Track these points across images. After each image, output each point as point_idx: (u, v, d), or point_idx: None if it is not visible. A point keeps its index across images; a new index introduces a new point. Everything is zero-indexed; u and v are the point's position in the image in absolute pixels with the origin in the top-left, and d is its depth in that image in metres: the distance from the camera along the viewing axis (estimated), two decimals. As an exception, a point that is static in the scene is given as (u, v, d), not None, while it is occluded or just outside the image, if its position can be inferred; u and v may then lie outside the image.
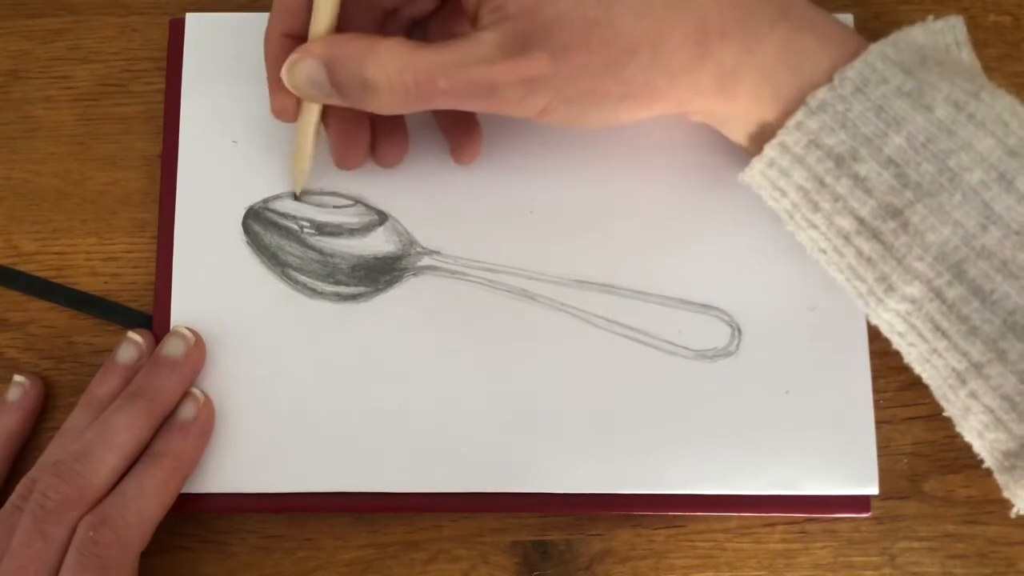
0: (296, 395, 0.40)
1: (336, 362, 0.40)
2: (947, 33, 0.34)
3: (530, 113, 0.34)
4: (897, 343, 0.35)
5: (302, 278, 0.41)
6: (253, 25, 0.42)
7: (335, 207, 0.41)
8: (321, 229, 0.41)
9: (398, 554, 0.40)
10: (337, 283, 0.41)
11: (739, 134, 0.36)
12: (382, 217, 0.41)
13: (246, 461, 0.39)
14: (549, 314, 0.40)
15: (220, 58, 0.42)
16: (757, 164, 0.35)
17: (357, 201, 0.42)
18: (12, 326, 0.42)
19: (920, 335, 0.33)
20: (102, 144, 0.44)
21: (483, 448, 0.39)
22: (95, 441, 0.37)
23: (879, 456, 0.38)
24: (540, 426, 0.39)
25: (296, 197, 0.41)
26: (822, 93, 0.32)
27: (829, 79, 0.33)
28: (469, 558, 0.40)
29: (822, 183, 0.33)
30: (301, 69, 0.34)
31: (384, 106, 0.34)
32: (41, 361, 0.42)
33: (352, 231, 0.41)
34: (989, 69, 0.43)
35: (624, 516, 0.40)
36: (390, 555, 0.40)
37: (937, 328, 0.33)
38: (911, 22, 0.43)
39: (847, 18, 0.42)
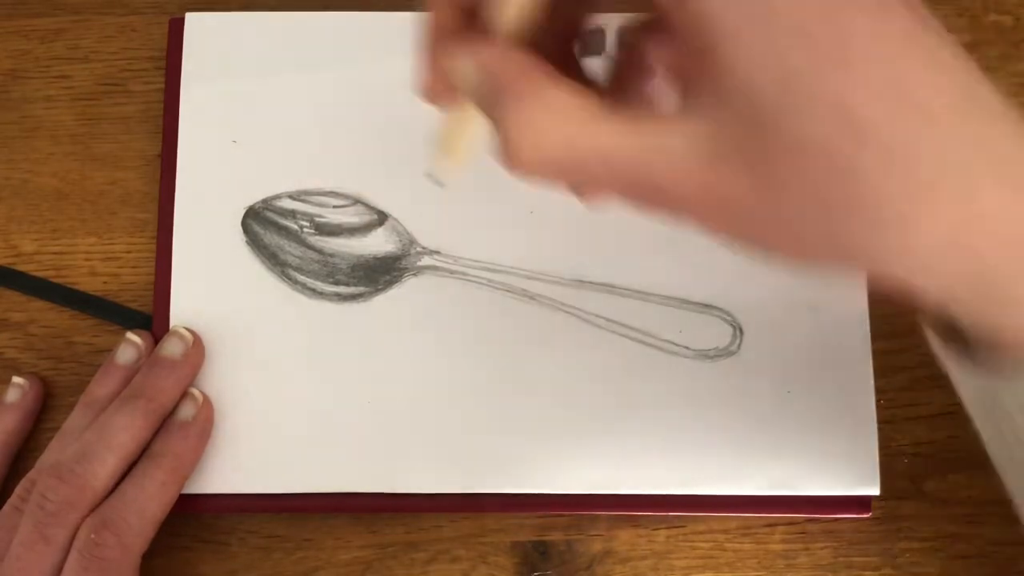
0: (296, 395, 0.40)
1: (336, 362, 0.40)
2: None
3: (700, 230, 0.26)
4: None
5: (302, 278, 0.41)
6: (253, 24, 0.42)
7: (335, 207, 0.41)
8: (321, 229, 0.41)
9: (398, 554, 0.40)
10: (337, 283, 0.41)
11: (970, 335, 0.27)
12: (382, 217, 0.41)
13: (246, 461, 0.39)
14: (549, 314, 0.40)
15: (220, 57, 0.42)
16: (983, 378, 0.26)
17: (357, 201, 0.41)
18: (11, 326, 0.42)
19: None
20: (102, 144, 0.43)
21: (483, 448, 0.39)
22: (95, 442, 0.37)
23: (880, 456, 0.38)
24: (540, 426, 0.39)
25: (439, 183, 0.32)
26: None
27: None
28: (469, 558, 0.40)
29: None
30: (464, 72, 0.27)
31: (513, 171, 0.26)
32: (40, 361, 0.42)
33: (352, 231, 0.41)
34: (990, 68, 0.43)
35: (624, 516, 0.40)
36: (390, 555, 0.40)
37: None
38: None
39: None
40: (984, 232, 0.23)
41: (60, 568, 0.35)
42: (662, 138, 0.24)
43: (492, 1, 0.27)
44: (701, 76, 0.24)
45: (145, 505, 0.36)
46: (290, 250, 0.41)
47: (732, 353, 0.39)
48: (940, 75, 0.24)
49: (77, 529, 0.36)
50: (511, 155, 0.26)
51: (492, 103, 0.26)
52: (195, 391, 0.39)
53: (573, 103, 0.25)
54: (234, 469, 0.39)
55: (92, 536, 0.35)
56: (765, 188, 0.23)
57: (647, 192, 0.25)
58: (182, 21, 0.43)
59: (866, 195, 0.23)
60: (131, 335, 0.40)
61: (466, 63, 0.27)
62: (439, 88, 0.28)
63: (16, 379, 0.41)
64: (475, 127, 0.30)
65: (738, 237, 0.25)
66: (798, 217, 0.24)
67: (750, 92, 0.23)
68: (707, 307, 0.40)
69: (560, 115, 0.25)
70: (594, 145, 0.25)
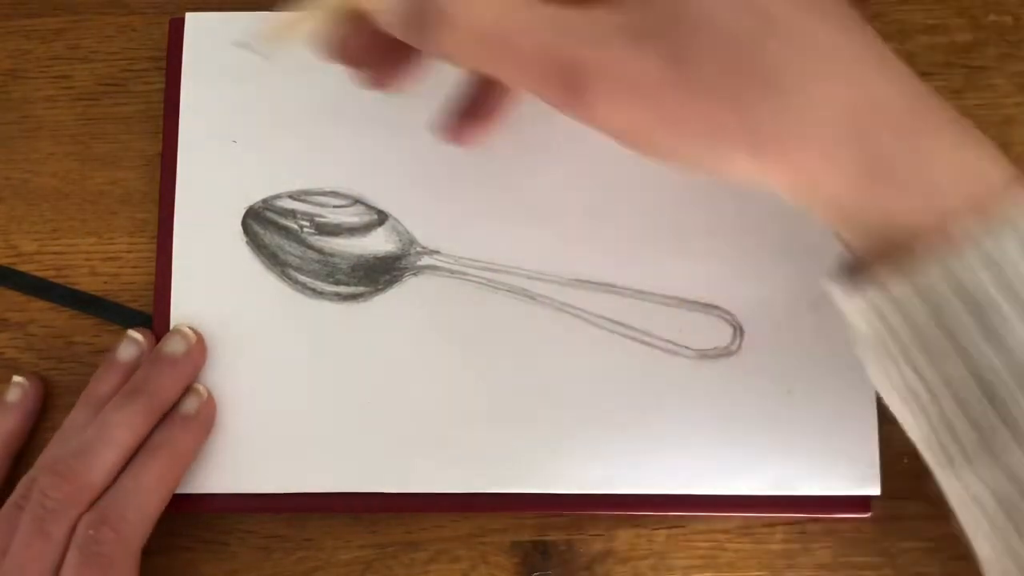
0: (296, 395, 0.40)
1: (336, 362, 0.40)
2: None
3: (614, 124, 0.28)
4: (969, 511, 0.29)
5: (302, 278, 0.41)
6: (253, 24, 0.42)
7: (335, 207, 0.41)
8: (321, 229, 0.41)
9: (398, 554, 0.40)
10: (337, 283, 0.41)
11: (863, 235, 0.28)
12: (382, 217, 0.41)
13: (246, 461, 0.39)
14: (549, 314, 0.40)
15: (220, 57, 0.42)
16: (870, 294, 0.28)
17: (357, 201, 0.41)
18: (12, 326, 0.42)
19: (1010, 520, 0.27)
20: (102, 144, 0.43)
21: (483, 448, 0.39)
22: (94, 439, 0.37)
23: (881, 456, 0.38)
24: (540, 426, 0.39)
25: (254, 50, 0.32)
26: (980, 227, 0.26)
27: (1001, 201, 0.26)
28: (469, 558, 0.40)
29: (948, 325, 0.27)
30: None
31: (449, 49, 0.27)
32: (41, 361, 0.42)
33: (352, 231, 0.41)
34: (989, 69, 0.43)
35: (625, 516, 0.40)
36: (390, 555, 0.40)
37: None
38: (910, 23, 0.43)
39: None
40: (877, 118, 0.26)
41: (60, 564, 0.35)
42: (587, 19, 0.26)
43: None
44: None
45: (143, 499, 0.37)
46: (290, 250, 0.41)
47: (732, 353, 0.39)
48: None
49: (76, 525, 0.36)
50: (444, 24, 0.27)
51: None
52: (199, 386, 0.39)
53: None
54: (234, 469, 0.39)
55: (91, 532, 0.35)
56: (680, 62, 0.26)
57: (566, 75, 0.27)
58: (182, 21, 0.43)
59: (771, 71, 0.26)
60: (132, 332, 0.40)
61: None
62: None
63: (17, 378, 0.41)
64: (311, 25, 0.31)
65: (647, 121, 0.27)
66: (708, 91, 0.26)
67: None
68: (707, 307, 0.40)
69: None
70: (521, 21, 0.27)
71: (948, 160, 0.27)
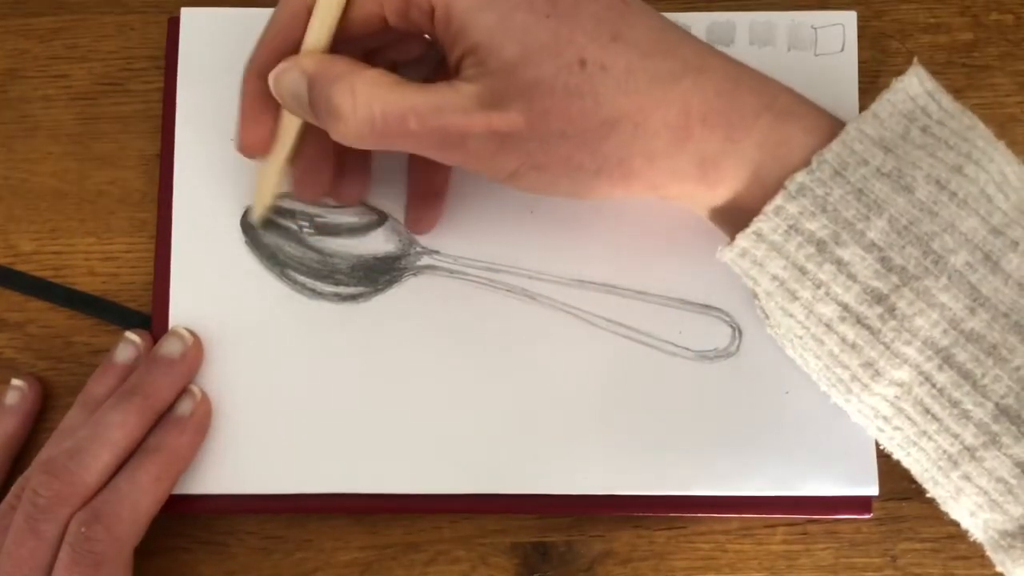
0: (295, 395, 0.40)
1: (335, 362, 0.40)
2: (920, 84, 0.32)
3: (498, 175, 0.33)
4: (879, 427, 0.34)
5: (301, 278, 0.41)
6: (250, 20, 0.42)
7: (334, 207, 0.41)
8: (320, 229, 0.41)
9: (397, 555, 0.40)
10: (336, 283, 0.41)
11: (721, 220, 0.34)
12: (382, 217, 0.41)
13: (245, 462, 0.39)
14: (550, 314, 0.40)
15: (217, 53, 0.42)
16: (728, 254, 0.33)
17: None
18: (10, 326, 0.42)
19: (908, 418, 0.32)
20: (100, 143, 0.43)
21: (483, 449, 0.39)
22: (88, 438, 0.37)
23: (880, 456, 0.38)
24: (540, 427, 0.39)
25: (255, 226, 0.41)
26: (800, 177, 0.31)
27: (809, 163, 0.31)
28: (469, 560, 0.40)
29: (803, 271, 0.32)
30: (287, 80, 0.34)
31: (348, 136, 0.33)
32: (39, 361, 0.42)
33: (352, 231, 0.41)
34: (991, 68, 0.43)
35: (625, 517, 0.40)
36: (389, 556, 0.40)
37: (927, 411, 0.32)
38: (912, 22, 0.43)
39: (849, 16, 0.41)
40: (703, 127, 0.31)
41: (52, 563, 0.35)
42: (449, 94, 0.31)
43: (294, 32, 0.34)
44: (470, 63, 0.31)
45: (138, 499, 0.36)
46: (290, 250, 0.41)
47: (731, 354, 0.39)
48: (638, 19, 0.32)
49: (68, 524, 0.36)
50: (344, 121, 0.32)
51: (317, 94, 0.33)
52: (194, 387, 0.39)
53: (384, 77, 0.32)
54: (233, 469, 0.39)
55: (83, 530, 0.35)
56: (537, 119, 0.31)
57: (449, 138, 0.32)
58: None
59: (608, 114, 0.31)
60: (130, 334, 0.40)
61: (290, 72, 0.33)
62: (257, 141, 0.37)
63: (15, 381, 0.41)
64: (275, 176, 0.38)
65: (523, 167, 0.32)
66: (562, 139, 0.31)
67: (506, 62, 0.31)
68: (707, 308, 0.40)
69: (373, 82, 0.32)
70: (405, 103, 0.31)
71: (761, 143, 0.32)
